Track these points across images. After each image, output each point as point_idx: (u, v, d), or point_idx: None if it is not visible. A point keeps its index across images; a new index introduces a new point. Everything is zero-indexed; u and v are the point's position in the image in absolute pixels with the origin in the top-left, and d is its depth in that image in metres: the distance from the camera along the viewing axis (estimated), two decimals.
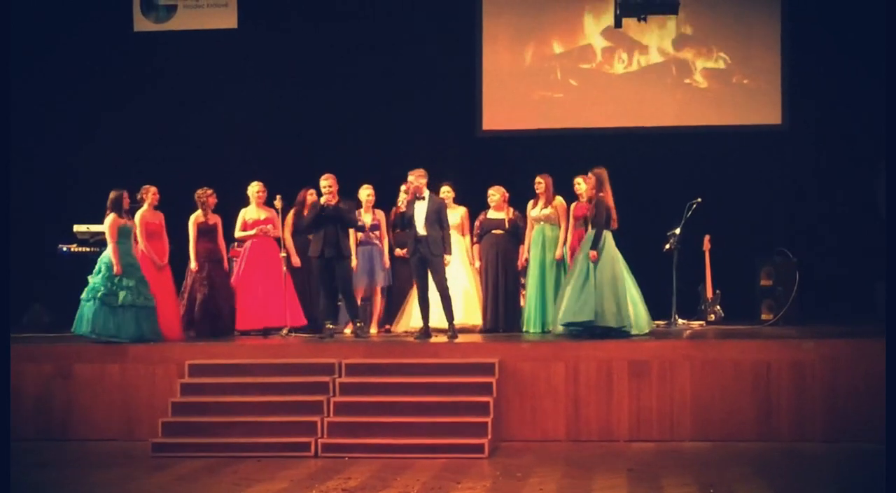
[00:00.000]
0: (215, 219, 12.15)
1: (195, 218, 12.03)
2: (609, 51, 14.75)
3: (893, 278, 9.51)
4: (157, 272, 11.68)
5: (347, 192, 11.96)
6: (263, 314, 12.09)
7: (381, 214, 12.55)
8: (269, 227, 12.22)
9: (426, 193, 11.48)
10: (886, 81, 10.33)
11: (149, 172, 12.91)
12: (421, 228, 11.38)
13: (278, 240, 12.28)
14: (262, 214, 12.28)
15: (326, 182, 11.65)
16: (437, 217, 11.40)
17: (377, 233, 12.46)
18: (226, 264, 12.28)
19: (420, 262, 11.42)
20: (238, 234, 12.32)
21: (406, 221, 11.53)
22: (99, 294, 11.20)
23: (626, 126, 14.56)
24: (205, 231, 12.03)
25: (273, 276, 12.12)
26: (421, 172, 11.47)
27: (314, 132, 14.85)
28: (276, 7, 14.98)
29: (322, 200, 11.64)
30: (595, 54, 14.78)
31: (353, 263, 12.18)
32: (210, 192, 12.10)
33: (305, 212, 12.11)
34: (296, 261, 12.24)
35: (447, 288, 11.43)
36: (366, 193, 12.43)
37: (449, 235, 11.58)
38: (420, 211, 11.40)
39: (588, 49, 14.79)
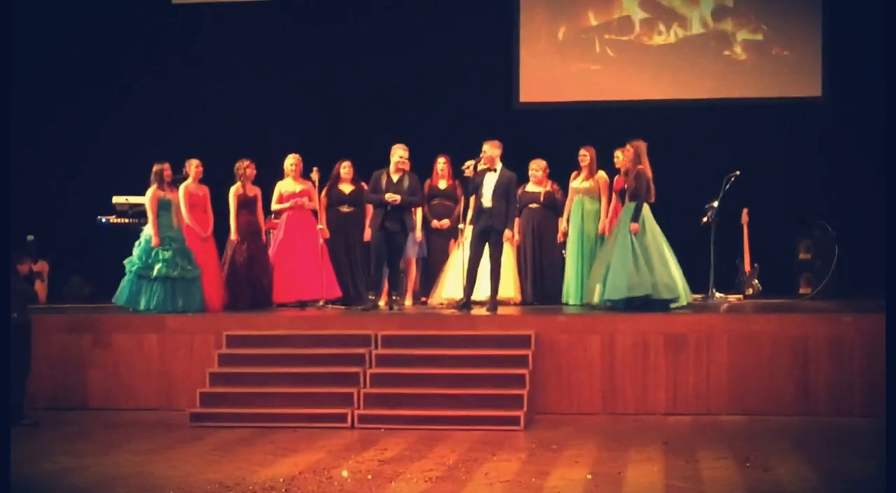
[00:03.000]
0: (255, 191, 12.18)
1: (235, 190, 12.06)
2: (647, 22, 14.64)
3: (893, 278, 9.43)
4: (200, 244, 11.75)
5: (383, 163, 11.93)
6: (300, 287, 12.13)
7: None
8: (305, 199, 12.25)
9: (498, 164, 11.39)
10: (886, 82, 10.24)
11: (188, 144, 12.97)
12: (488, 200, 11.29)
13: (315, 212, 12.31)
14: (298, 186, 12.30)
15: (403, 153, 11.62)
16: (504, 190, 11.27)
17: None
18: (263, 237, 12.32)
19: (482, 232, 11.34)
20: (274, 206, 12.35)
21: (474, 189, 11.42)
22: (135, 267, 11.34)
23: (665, 98, 14.45)
24: (244, 203, 12.07)
25: (309, 248, 12.15)
26: (496, 143, 11.38)
27: (350, 105, 14.82)
28: None
29: (394, 171, 11.60)
30: (633, 26, 14.67)
31: (419, 236, 12.27)
32: (248, 163, 12.10)
33: (340, 185, 12.13)
34: (325, 234, 12.24)
35: (500, 264, 11.37)
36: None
37: (515, 209, 11.49)
38: (489, 182, 11.29)
39: (626, 20, 14.69)
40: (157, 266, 11.31)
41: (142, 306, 11.34)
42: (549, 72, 14.81)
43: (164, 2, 15.08)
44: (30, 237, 10.03)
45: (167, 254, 11.36)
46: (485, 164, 11.34)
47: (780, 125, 14.25)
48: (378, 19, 14.88)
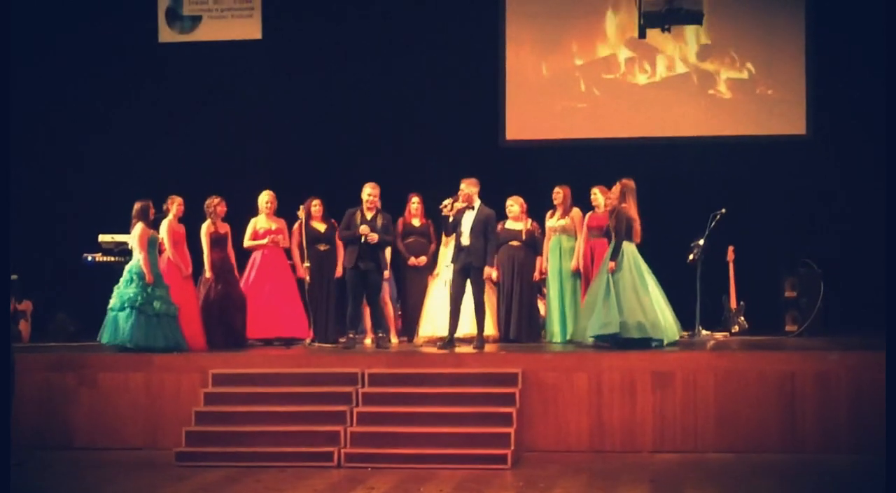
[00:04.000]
0: (225, 228, 12.15)
1: (206, 227, 12.01)
2: (632, 61, 14.74)
3: (893, 279, 9.46)
4: (181, 282, 11.71)
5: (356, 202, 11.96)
6: (272, 324, 12.14)
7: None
8: (280, 237, 12.27)
9: (476, 202, 11.44)
10: (887, 82, 10.29)
11: (171, 183, 12.96)
12: (466, 238, 11.34)
13: (286, 250, 12.32)
14: (273, 223, 12.33)
15: (373, 191, 11.65)
16: (483, 228, 11.34)
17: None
18: (237, 273, 12.27)
19: (462, 271, 11.38)
20: (248, 243, 12.34)
21: (453, 228, 11.48)
22: (137, 304, 11.21)
23: (650, 136, 14.54)
24: (216, 240, 12.03)
25: (283, 285, 12.18)
26: (473, 181, 11.45)
27: (333, 141, 14.87)
28: (300, 18, 15.02)
29: (366, 209, 11.63)
30: (618, 64, 14.76)
31: (386, 274, 12.30)
32: (219, 200, 12.08)
33: (313, 222, 12.15)
34: (301, 273, 12.22)
35: (483, 301, 11.40)
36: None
37: (494, 247, 11.51)
38: (468, 220, 11.36)
39: (611, 59, 14.78)
40: (157, 303, 11.26)
41: (150, 342, 11.16)
42: (535, 110, 14.88)
43: (149, 40, 15.10)
44: (13, 276, 9.96)
45: (161, 292, 11.31)
46: (463, 202, 11.38)
47: (765, 163, 14.32)
48: (361, 57, 14.94)
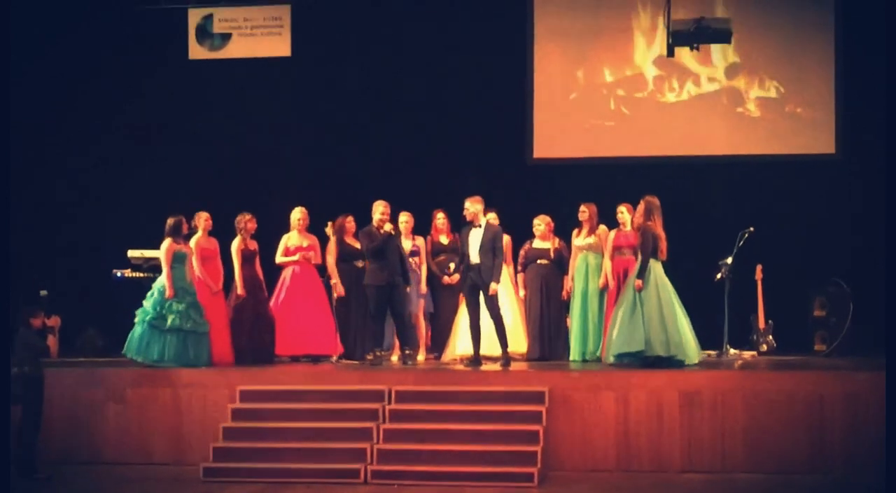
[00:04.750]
0: (254, 245, 12.20)
1: (237, 244, 12.06)
2: (660, 79, 14.72)
3: (893, 282, 9.39)
4: (211, 298, 11.76)
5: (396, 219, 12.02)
6: (303, 341, 12.15)
7: (420, 240, 12.59)
8: (311, 253, 12.29)
9: (482, 220, 11.46)
10: (887, 82, 10.24)
11: (201, 199, 13.02)
12: (475, 256, 11.35)
13: (318, 267, 12.33)
14: (305, 240, 12.35)
15: (384, 209, 11.69)
16: (491, 245, 11.35)
17: (416, 259, 12.46)
18: (265, 291, 12.30)
19: (472, 289, 11.40)
20: (279, 259, 12.36)
21: (460, 247, 11.54)
22: (148, 317, 11.31)
23: (678, 155, 14.49)
24: (246, 257, 12.09)
25: (314, 302, 12.19)
26: (477, 198, 11.47)
27: (361, 158, 14.91)
28: (329, 36, 15.08)
29: (386, 226, 11.68)
30: (646, 83, 14.75)
31: (423, 290, 12.45)
32: (249, 217, 12.14)
33: (347, 239, 12.16)
34: (340, 290, 12.20)
35: (501, 316, 11.39)
36: (402, 219, 12.44)
37: (501, 263, 11.51)
38: (475, 239, 11.38)
39: (639, 77, 14.76)
40: (171, 318, 11.30)
41: (154, 356, 11.28)
42: (563, 127, 14.87)
43: (180, 58, 15.19)
44: (43, 292, 10.04)
45: (181, 306, 11.36)
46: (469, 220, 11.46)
47: (794, 182, 14.26)
48: (389, 74, 14.99)
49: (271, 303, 12.27)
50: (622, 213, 11.96)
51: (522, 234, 12.57)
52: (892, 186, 9.84)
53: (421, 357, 12.33)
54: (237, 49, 15.16)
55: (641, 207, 11.29)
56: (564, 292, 12.29)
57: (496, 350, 11.53)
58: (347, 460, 9.89)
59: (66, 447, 10.85)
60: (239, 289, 12.02)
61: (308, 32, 15.04)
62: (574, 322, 12.13)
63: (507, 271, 12.34)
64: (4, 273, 10.90)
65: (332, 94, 15.11)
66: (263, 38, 15.09)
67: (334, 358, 12.03)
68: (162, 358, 11.26)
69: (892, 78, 10.04)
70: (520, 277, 12.39)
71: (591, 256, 12.17)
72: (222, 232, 12.17)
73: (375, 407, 10.33)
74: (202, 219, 11.97)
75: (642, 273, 11.02)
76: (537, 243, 12.37)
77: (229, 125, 15.10)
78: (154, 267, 12.63)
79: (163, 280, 11.40)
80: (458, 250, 12.35)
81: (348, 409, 10.40)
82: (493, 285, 11.32)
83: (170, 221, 11.56)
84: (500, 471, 9.64)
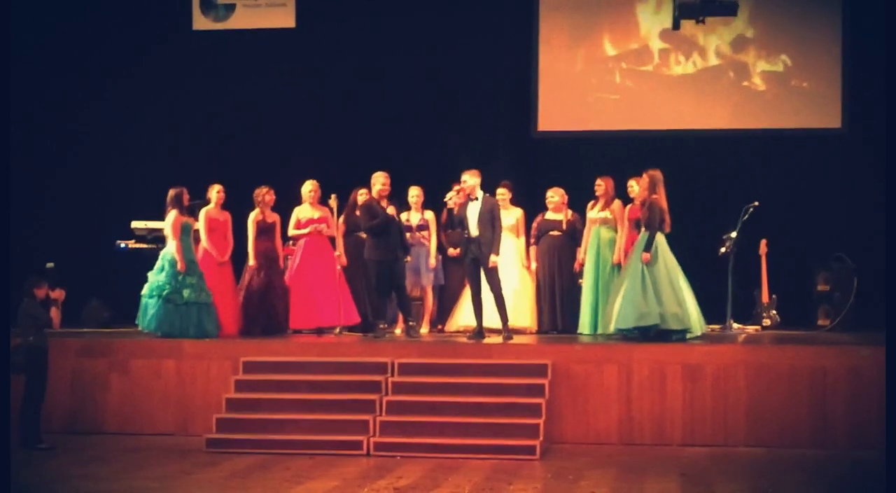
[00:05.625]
0: (274, 218, 12.21)
1: (254, 216, 12.09)
2: (666, 52, 14.65)
3: (893, 280, 9.38)
4: (217, 268, 11.79)
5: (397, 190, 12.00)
6: (317, 313, 12.15)
7: (430, 214, 12.58)
8: (323, 226, 12.29)
9: (479, 193, 11.44)
10: (887, 81, 10.20)
11: (205, 170, 13.02)
12: (473, 229, 11.33)
13: (331, 239, 12.33)
14: (316, 212, 12.34)
15: (384, 180, 11.67)
16: (489, 218, 11.32)
17: (425, 233, 12.47)
18: (281, 263, 12.34)
19: (473, 263, 11.39)
20: (291, 232, 12.37)
21: (458, 221, 11.50)
22: (165, 292, 11.32)
23: (683, 128, 14.43)
24: (263, 230, 12.10)
25: (327, 274, 12.18)
26: (475, 172, 11.43)
27: (368, 132, 14.87)
28: (334, 7, 15.01)
29: (389, 210, 11.67)
30: (652, 56, 14.68)
31: (433, 263, 12.44)
32: (267, 190, 12.17)
33: (357, 211, 12.15)
34: (343, 261, 12.24)
35: (501, 289, 11.39)
36: (413, 193, 12.45)
37: (500, 235, 11.48)
38: (473, 212, 11.36)
39: (645, 51, 14.70)
40: (186, 291, 11.34)
41: (171, 330, 11.30)
42: (568, 101, 14.81)
43: (184, 28, 15.15)
44: (49, 264, 10.05)
45: (193, 279, 11.39)
46: (460, 194, 11.38)
47: (799, 156, 14.21)
48: (395, 46, 14.91)
49: (285, 276, 12.28)
50: (632, 187, 11.90)
51: (527, 207, 12.57)
52: (892, 162, 9.80)
53: (424, 330, 12.34)
54: (241, 20, 15.10)
55: (645, 180, 11.28)
56: (577, 264, 12.27)
57: (498, 322, 11.54)
58: (350, 431, 9.93)
59: (70, 417, 10.92)
60: (250, 260, 12.04)
61: (312, 4, 14.98)
62: (585, 296, 12.10)
63: (519, 245, 12.34)
64: (4, 246, 10.92)
65: (336, 66, 15.05)
66: (268, 10, 15.04)
67: (338, 329, 12.05)
68: (183, 332, 11.27)
69: (894, 54, 9.99)
70: (532, 249, 12.37)
71: (604, 229, 12.13)
72: (233, 204, 12.16)
73: (378, 379, 10.35)
74: (215, 191, 12.00)
75: (649, 247, 11.00)
76: (550, 215, 12.36)
77: (234, 96, 15.05)
78: (158, 238, 12.63)
79: (172, 252, 11.40)
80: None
81: (351, 381, 10.42)
82: (492, 258, 11.29)
83: (171, 192, 11.57)
84: (503, 444, 9.68)
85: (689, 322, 10.99)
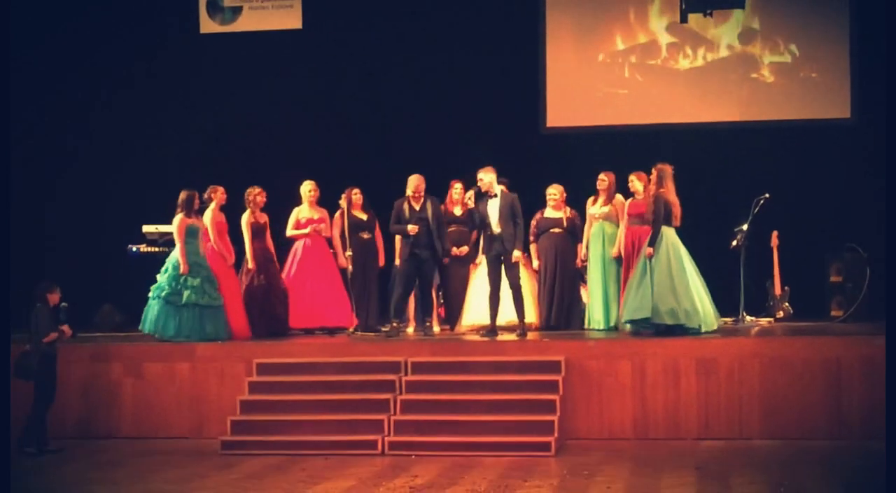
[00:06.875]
0: (264, 218, 12.20)
1: (247, 218, 12.05)
2: (674, 46, 14.63)
3: (893, 279, 9.35)
4: (227, 271, 11.80)
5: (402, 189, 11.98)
6: (315, 313, 12.18)
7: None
8: (323, 226, 12.30)
9: (497, 189, 11.42)
10: (887, 81, 10.17)
11: (213, 173, 13.03)
12: (496, 226, 11.32)
13: (329, 240, 12.36)
14: (315, 213, 12.36)
15: (420, 184, 11.67)
16: (510, 212, 11.32)
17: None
18: (276, 263, 12.32)
19: (495, 259, 11.37)
20: (290, 232, 12.37)
21: (480, 220, 11.48)
22: (163, 294, 11.36)
23: (693, 122, 14.43)
24: (256, 230, 12.09)
25: (326, 275, 12.21)
26: (489, 168, 11.41)
27: (377, 131, 14.89)
28: (340, 8, 15.02)
29: (413, 199, 11.66)
30: (660, 50, 14.67)
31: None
32: (259, 190, 12.14)
33: (354, 212, 12.15)
34: (343, 262, 12.25)
35: (520, 286, 11.38)
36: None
37: (521, 230, 11.48)
38: (493, 208, 11.34)
39: (653, 45, 14.68)
40: (186, 293, 11.34)
41: (171, 332, 11.34)
42: (576, 96, 14.82)
43: (191, 32, 15.17)
44: (64, 304, 10.14)
45: (196, 281, 11.39)
46: (480, 190, 11.37)
47: (809, 147, 14.19)
48: (402, 45, 14.92)
49: (283, 276, 12.29)
50: (633, 181, 11.90)
51: (536, 203, 12.55)
52: (892, 160, 9.77)
53: (436, 329, 12.33)
54: (248, 22, 15.13)
55: (654, 174, 11.26)
56: (578, 260, 12.28)
57: (511, 319, 11.52)
58: (365, 431, 9.93)
59: (84, 422, 10.93)
60: (249, 263, 12.04)
61: (319, 4, 14.99)
62: (594, 291, 12.09)
63: None
64: (4, 248, 10.95)
65: (344, 66, 15.06)
66: (274, 11, 15.06)
67: (350, 330, 12.07)
68: (179, 334, 11.31)
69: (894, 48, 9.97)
70: (532, 247, 12.37)
71: (606, 224, 12.10)
72: (232, 205, 12.17)
73: (392, 378, 10.35)
74: (217, 192, 11.99)
75: (653, 241, 10.99)
76: (549, 213, 12.34)
77: (241, 99, 15.07)
78: (169, 242, 12.65)
79: (176, 255, 11.44)
80: (469, 223, 12.28)
81: (365, 381, 10.42)
82: (515, 253, 11.31)
83: (182, 195, 11.58)
84: (517, 441, 9.67)
85: (692, 319, 10.89)
